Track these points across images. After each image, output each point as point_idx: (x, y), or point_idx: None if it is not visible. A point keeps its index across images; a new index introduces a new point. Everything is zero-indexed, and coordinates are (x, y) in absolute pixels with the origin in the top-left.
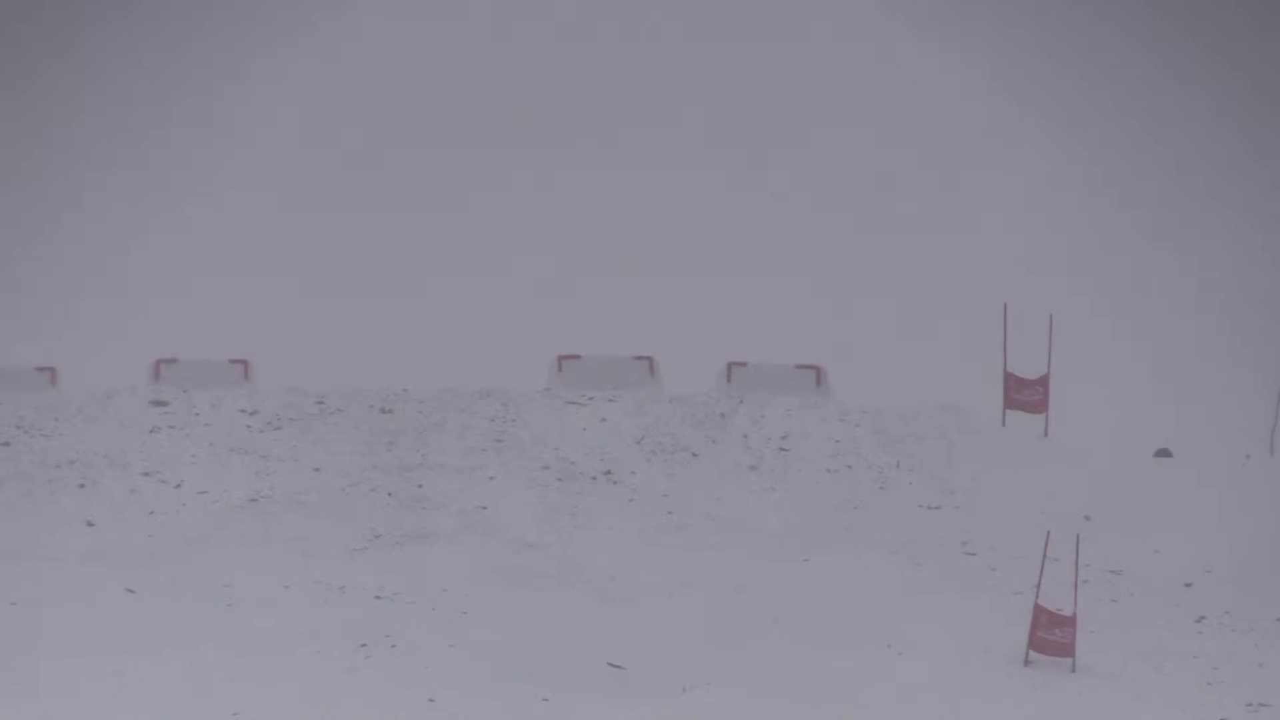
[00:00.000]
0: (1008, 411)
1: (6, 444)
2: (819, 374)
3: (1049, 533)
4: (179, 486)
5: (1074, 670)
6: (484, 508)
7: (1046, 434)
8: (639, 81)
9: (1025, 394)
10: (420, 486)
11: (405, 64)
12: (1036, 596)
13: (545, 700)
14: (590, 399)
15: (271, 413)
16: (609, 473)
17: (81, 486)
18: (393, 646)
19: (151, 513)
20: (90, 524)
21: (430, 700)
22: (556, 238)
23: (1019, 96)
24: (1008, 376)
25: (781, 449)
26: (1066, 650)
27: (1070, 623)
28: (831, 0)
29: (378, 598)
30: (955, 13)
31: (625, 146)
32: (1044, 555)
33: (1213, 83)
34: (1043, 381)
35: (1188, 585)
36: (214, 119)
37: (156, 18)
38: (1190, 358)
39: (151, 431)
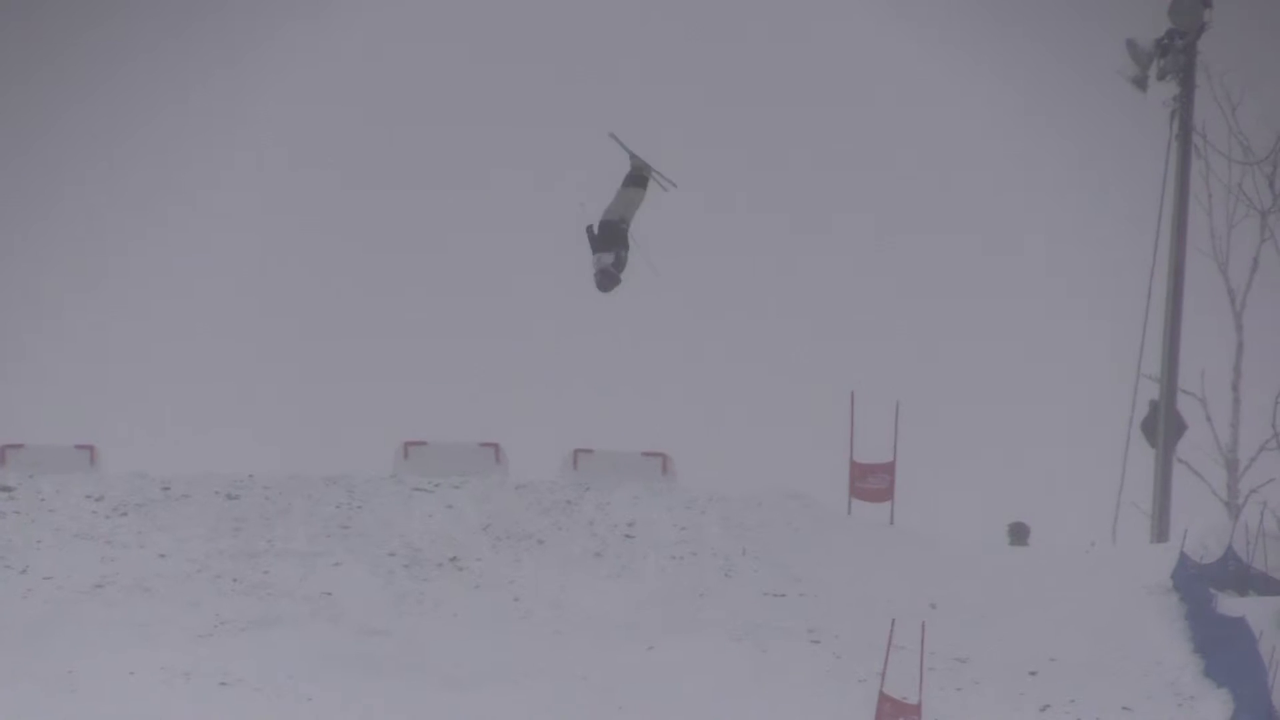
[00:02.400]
0: (853, 499)
1: None
2: (665, 461)
3: (894, 620)
4: (24, 572)
5: None
6: (329, 594)
7: (892, 521)
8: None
9: (870, 481)
10: (266, 572)
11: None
12: (881, 685)
13: None
14: (436, 485)
15: (117, 498)
16: (455, 559)
17: None
18: None
19: None
20: None
21: None
22: (400, 322)
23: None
24: (853, 464)
25: (627, 536)
26: None
27: (915, 711)
28: None
29: (223, 684)
30: None
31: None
32: (889, 643)
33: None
34: (888, 469)
35: (1032, 674)
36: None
37: None
38: (1037, 445)
39: None
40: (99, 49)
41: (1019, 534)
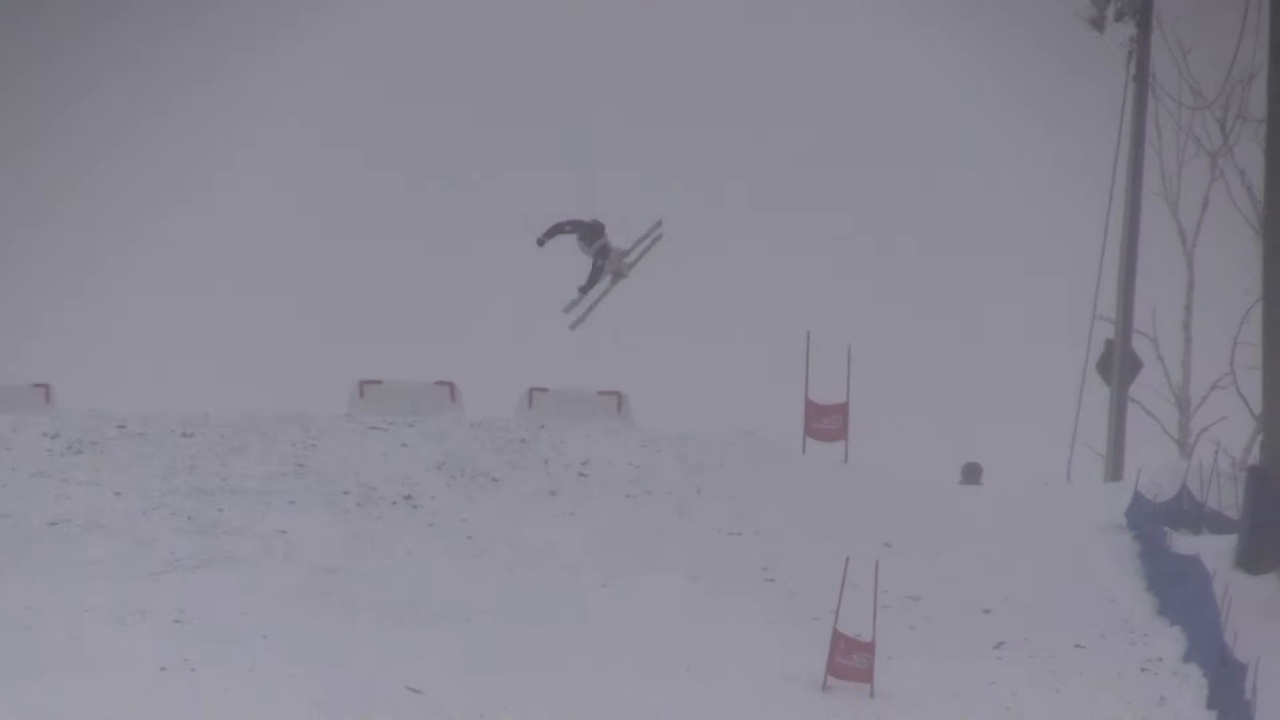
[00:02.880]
0: (808, 439)
1: None
2: (620, 400)
3: (848, 559)
4: None
5: (872, 696)
6: (284, 532)
7: (846, 460)
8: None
9: (824, 421)
10: (221, 510)
11: None
12: (835, 622)
13: None
14: (391, 424)
15: (73, 436)
16: (409, 497)
17: None
18: (192, 670)
19: None
20: None
21: None
22: (351, 259)
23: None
24: (808, 404)
25: (582, 475)
26: (865, 676)
27: (869, 649)
28: None
29: (177, 621)
30: None
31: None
32: (843, 581)
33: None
34: (841, 409)
35: (986, 612)
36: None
37: None
38: (994, 385)
39: None
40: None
41: (972, 474)
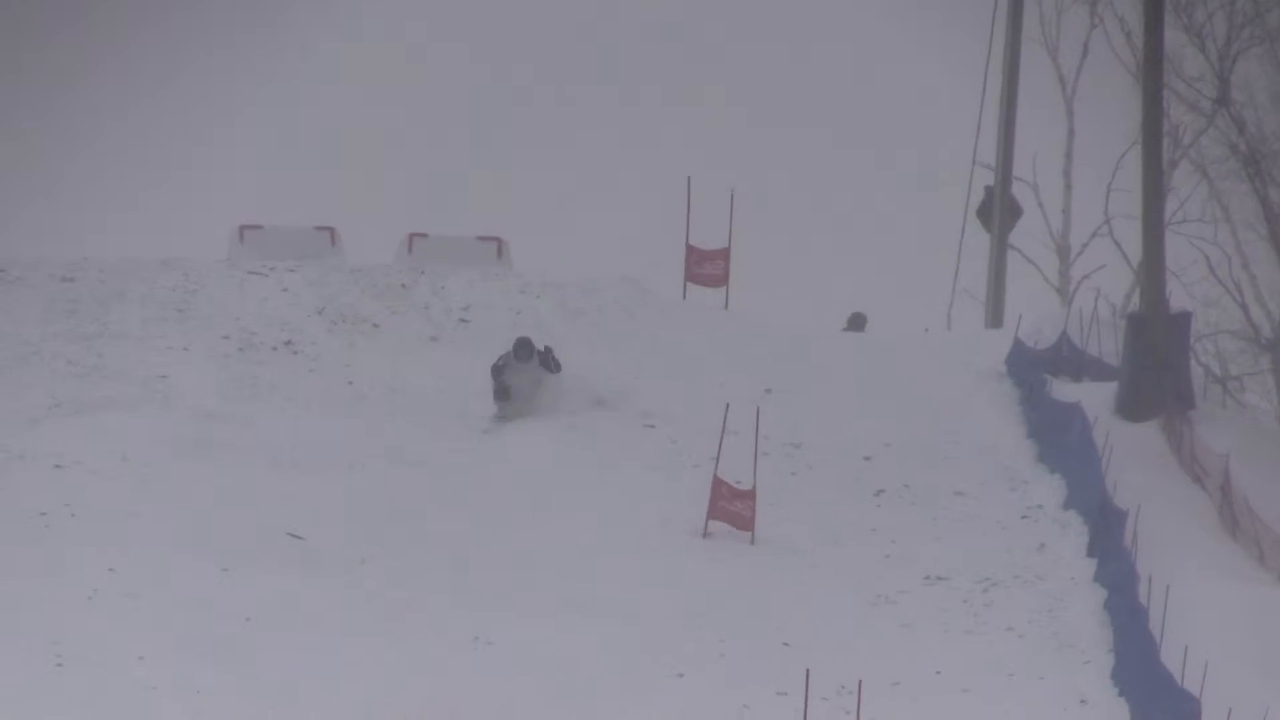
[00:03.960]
0: (689, 285)
1: None
2: (500, 246)
3: (728, 405)
4: None
5: (753, 543)
6: (164, 377)
7: (727, 307)
8: None
9: (706, 267)
10: (100, 355)
11: None
12: (716, 469)
13: (225, 570)
14: (271, 269)
15: None
16: (289, 343)
17: None
18: (72, 515)
19: None
20: None
21: (110, 570)
22: (236, 102)
23: None
24: (689, 249)
25: (463, 320)
26: (745, 523)
27: (749, 496)
28: None
29: (57, 466)
30: None
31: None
32: (723, 427)
33: None
34: (723, 255)
35: (867, 459)
36: None
37: None
38: (874, 232)
39: None
40: None
41: (857, 323)
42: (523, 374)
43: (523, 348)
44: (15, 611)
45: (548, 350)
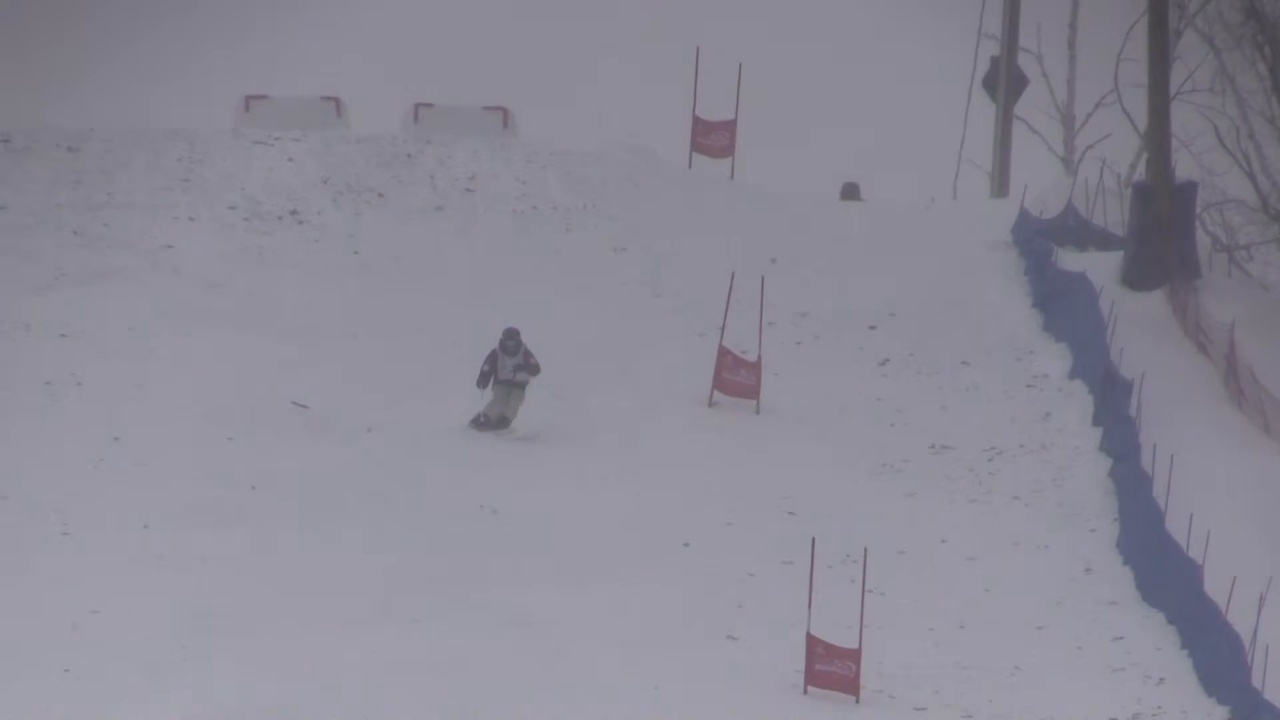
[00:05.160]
0: (694, 155)
1: None
2: (506, 115)
3: (734, 274)
4: None
5: (758, 412)
6: (170, 247)
7: (732, 177)
8: None
9: (711, 138)
10: (106, 225)
11: None
12: (721, 339)
13: (230, 439)
14: (277, 139)
15: None
16: (295, 212)
17: None
18: (78, 385)
19: None
20: None
21: (116, 439)
22: None
23: None
24: (695, 120)
25: (468, 190)
26: (751, 392)
27: (755, 366)
28: None
29: (63, 336)
30: None
31: None
32: (729, 297)
33: None
34: (729, 126)
35: (872, 328)
36: None
37: None
38: (879, 103)
39: None
40: None
41: (850, 193)
42: (508, 369)
43: (510, 339)
44: (22, 480)
45: (526, 352)
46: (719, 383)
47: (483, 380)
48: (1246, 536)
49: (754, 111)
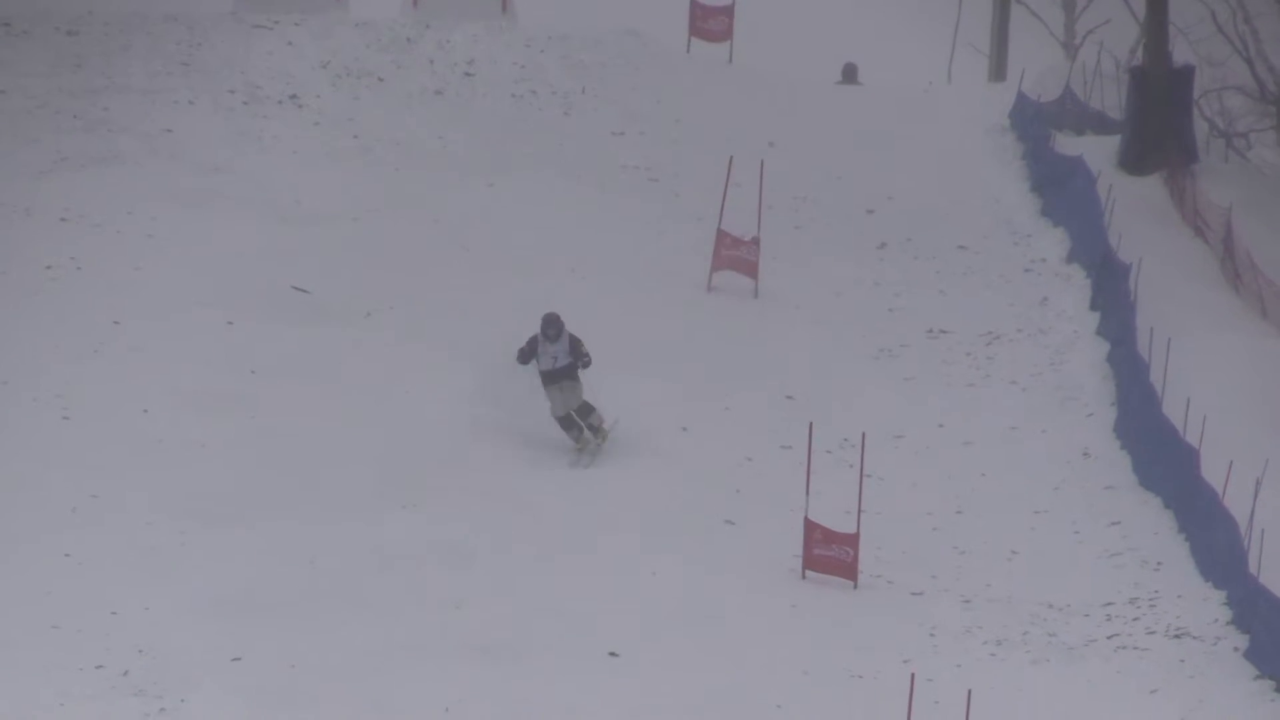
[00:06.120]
0: (692, 39)
1: None
2: None
3: (732, 158)
4: None
5: (757, 296)
6: (169, 130)
7: (731, 61)
8: None
9: (710, 23)
10: (106, 109)
11: None
12: (719, 222)
13: (230, 323)
14: (276, 23)
15: None
16: (294, 97)
17: None
18: (78, 269)
19: None
20: None
21: (115, 323)
22: None
23: None
24: (693, 4)
25: (467, 74)
26: (750, 269)
27: (754, 244)
28: None
29: (63, 220)
30: None
31: None
32: (727, 181)
33: None
34: (727, 10)
35: (870, 211)
36: None
37: None
38: None
39: None
40: None
41: (849, 74)
42: (548, 358)
43: (550, 325)
44: (22, 364)
45: (573, 340)
46: (718, 260)
47: (522, 357)
48: (1243, 420)
49: None
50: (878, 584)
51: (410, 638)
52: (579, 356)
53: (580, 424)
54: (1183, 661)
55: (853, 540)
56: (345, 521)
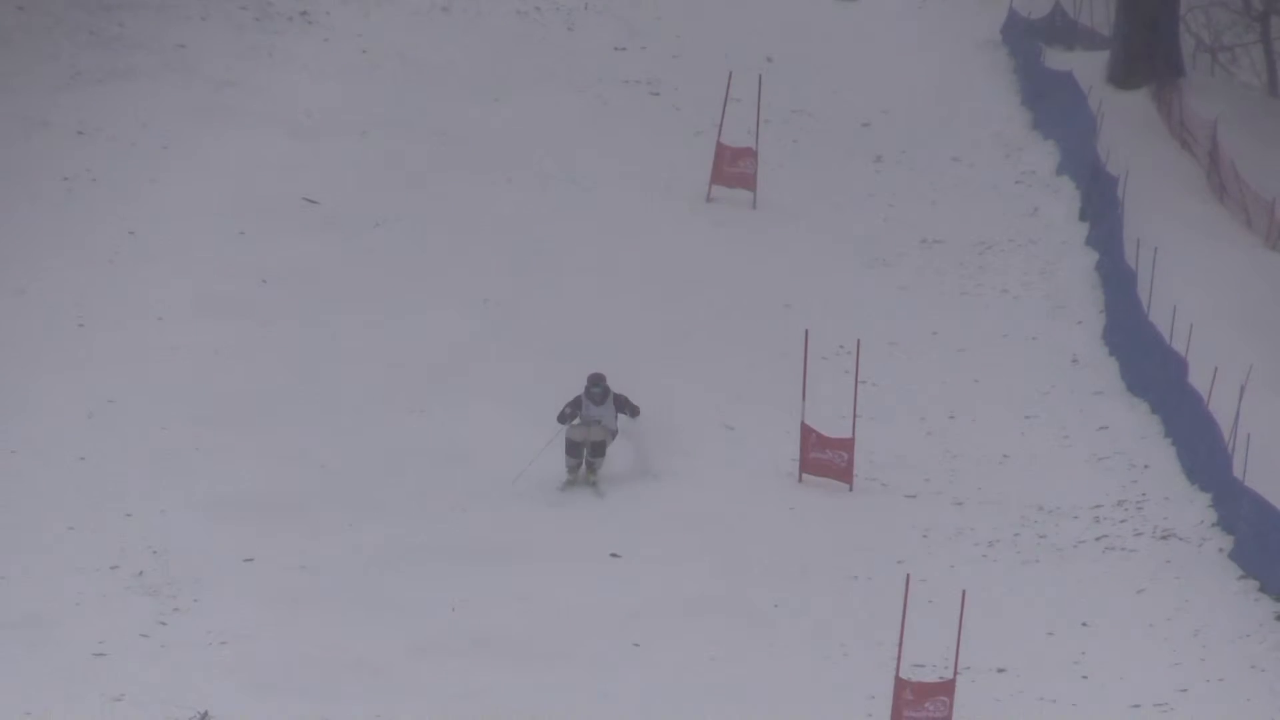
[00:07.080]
0: None
1: None
2: None
3: (731, 73)
4: None
5: (754, 206)
6: (182, 46)
7: None
8: None
9: None
10: (121, 25)
11: None
12: (719, 135)
13: (242, 233)
14: None
15: None
16: (305, 13)
17: None
18: (94, 181)
19: None
20: None
21: (130, 233)
22: None
23: None
24: None
25: None
26: (748, 183)
27: (750, 154)
28: None
29: (80, 133)
30: None
31: None
32: (726, 95)
33: None
34: None
35: (865, 125)
36: None
37: None
38: None
39: None
40: None
41: None
42: (596, 418)
43: (596, 385)
44: (39, 274)
45: (619, 399)
46: (717, 174)
47: (563, 420)
48: (1228, 328)
49: None
50: (872, 487)
51: (417, 539)
52: (625, 410)
53: (584, 458)
54: (1169, 562)
55: (848, 445)
56: (355, 426)
